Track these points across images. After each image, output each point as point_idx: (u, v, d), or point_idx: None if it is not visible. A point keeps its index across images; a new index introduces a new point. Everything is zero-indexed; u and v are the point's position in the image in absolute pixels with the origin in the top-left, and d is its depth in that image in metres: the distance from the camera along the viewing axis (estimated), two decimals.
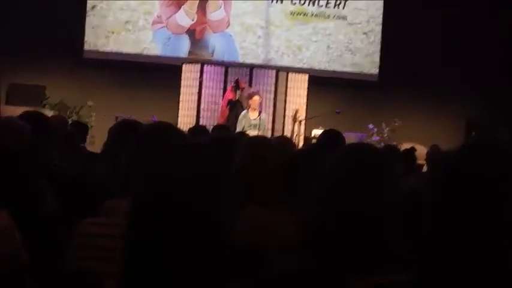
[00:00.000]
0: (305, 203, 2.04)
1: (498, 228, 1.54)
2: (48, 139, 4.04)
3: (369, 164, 2.00)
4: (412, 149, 7.86)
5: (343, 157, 2.05)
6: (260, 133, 10.59)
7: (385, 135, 13.89)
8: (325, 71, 14.93)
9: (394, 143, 11.76)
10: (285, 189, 2.96)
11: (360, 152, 2.07)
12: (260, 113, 11.06)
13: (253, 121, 10.91)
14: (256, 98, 11.12)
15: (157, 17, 14.84)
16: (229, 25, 14.98)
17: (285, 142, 4.18)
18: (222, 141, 3.85)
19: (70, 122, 8.01)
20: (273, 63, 14.67)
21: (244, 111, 11.13)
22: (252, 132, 10.48)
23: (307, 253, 1.95)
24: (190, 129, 6.51)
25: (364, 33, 15.21)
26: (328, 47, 15.15)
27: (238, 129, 10.80)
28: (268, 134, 11.27)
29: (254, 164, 2.99)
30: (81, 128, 7.35)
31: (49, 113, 9.84)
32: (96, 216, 2.48)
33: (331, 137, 4.83)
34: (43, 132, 4.00)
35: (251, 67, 13.13)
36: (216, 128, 7.55)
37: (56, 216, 3.04)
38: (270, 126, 12.03)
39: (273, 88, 12.74)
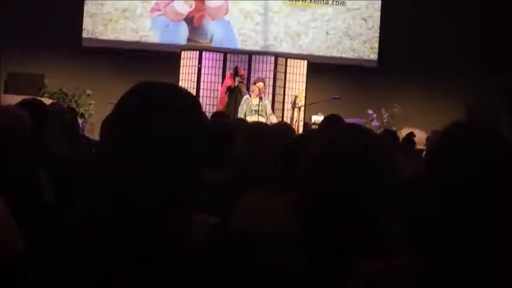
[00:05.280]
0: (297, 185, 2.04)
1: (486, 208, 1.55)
2: (46, 126, 4.04)
3: (361, 145, 2.00)
4: (411, 134, 7.84)
5: (333, 139, 2.04)
6: (262, 119, 10.60)
7: (385, 120, 13.89)
8: (324, 57, 14.91)
9: (394, 128, 11.76)
10: (284, 173, 2.96)
11: (351, 135, 2.06)
12: (261, 99, 11.06)
13: (255, 106, 10.92)
14: (259, 84, 11.14)
15: (155, 4, 14.80)
16: (227, 12, 14.94)
17: (285, 128, 4.18)
18: (220, 128, 3.84)
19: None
20: (271, 49, 14.64)
21: (246, 96, 11.15)
22: (253, 118, 10.50)
23: (303, 237, 1.95)
24: None
25: (363, 18, 15.17)
26: (327, 33, 15.11)
27: (240, 114, 10.83)
28: (271, 119, 11.27)
29: (253, 150, 2.99)
30: (72, 114, 7.27)
31: (48, 101, 9.84)
32: None
33: (332, 122, 4.82)
34: (42, 119, 4.00)
35: (250, 54, 13.10)
36: (215, 114, 7.55)
37: (53, 204, 3.04)
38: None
39: (271, 74, 12.72)
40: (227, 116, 7.56)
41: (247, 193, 2.78)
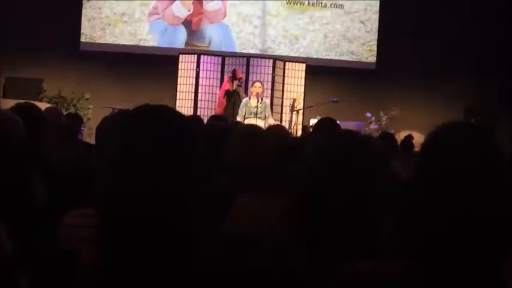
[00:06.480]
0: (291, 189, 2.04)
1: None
2: (41, 131, 4.03)
3: (355, 147, 2.00)
4: (409, 137, 7.84)
5: (323, 144, 2.05)
6: (260, 121, 10.56)
7: (383, 123, 13.88)
8: (323, 59, 14.92)
9: (392, 131, 11.76)
10: (278, 176, 2.96)
11: (340, 139, 2.07)
12: (262, 99, 11.04)
13: (253, 109, 10.91)
14: (257, 84, 11.13)
15: (154, 8, 14.81)
16: (225, 15, 14.95)
17: (279, 131, 4.17)
18: (216, 131, 3.84)
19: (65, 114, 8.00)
20: (270, 52, 14.66)
21: (246, 99, 11.13)
22: (252, 120, 10.49)
23: (294, 240, 1.95)
24: None
25: (361, 21, 15.18)
26: (325, 35, 15.12)
27: (239, 116, 10.82)
28: (270, 122, 11.25)
29: (245, 152, 2.99)
30: (76, 120, 7.34)
31: (46, 106, 9.84)
32: (88, 208, 2.46)
33: (326, 124, 4.81)
34: (36, 124, 3.99)
35: (248, 57, 13.10)
36: (212, 118, 7.55)
37: (46, 208, 3.03)
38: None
39: (270, 78, 12.72)
40: (224, 119, 7.55)
41: (239, 195, 2.78)
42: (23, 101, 5.30)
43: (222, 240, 1.87)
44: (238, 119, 10.65)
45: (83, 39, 14.77)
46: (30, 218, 2.81)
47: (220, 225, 2.62)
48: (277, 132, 3.91)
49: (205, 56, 13.11)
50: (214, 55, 13.30)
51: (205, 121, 7.44)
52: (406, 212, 2.07)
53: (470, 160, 1.60)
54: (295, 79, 13.09)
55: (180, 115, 1.79)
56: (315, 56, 14.90)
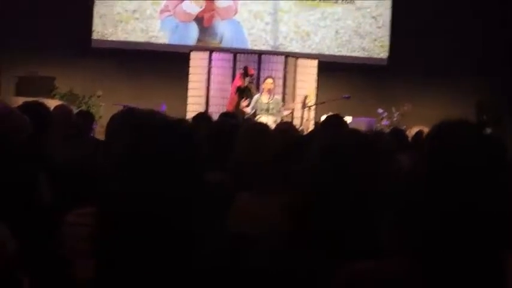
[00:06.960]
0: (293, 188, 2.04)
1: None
2: (48, 129, 4.04)
3: (358, 146, 2.00)
4: (420, 132, 7.80)
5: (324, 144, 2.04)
6: (272, 117, 10.57)
7: (395, 119, 13.84)
8: (334, 56, 14.88)
9: (404, 127, 11.73)
10: (282, 174, 2.95)
11: (343, 139, 2.06)
12: (273, 95, 11.05)
13: (264, 105, 10.91)
14: (268, 80, 11.14)
15: (165, 6, 14.81)
16: (237, 12, 14.93)
17: (286, 128, 4.17)
18: (222, 128, 3.84)
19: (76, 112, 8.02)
20: (281, 49, 14.63)
21: (257, 95, 11.13)
22: (263, 117, 10.50)
23: (292, 239, 1.95)
24: (194, 117, 6.52)
25: (373, 17, 15.13)
26: (337, 32, 15.08)
27: (251, 112, 10.85)
28: (284, 114, 11.25)
29: (250, 152, 2.98)
30: (87, 117, 7.35)
31: (58, 103, 9.86)
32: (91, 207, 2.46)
33: (333, 121, 4.81)
34: (43, 122, 4.00)
35: (260, 53, 13.10)
36: (222, 115, 7.55)
37: (51, 207, 3.04)
38: None
39: (282, 74, 12.71)
40: (234, 116, 7.54)
41: (240, 194, 2.78)
42: (35, 98, 5.32)
43: (222, 239, 1.87)
44: (249, 115, 10.67)
45: (94, 36, 14.78)
46: (34, 217, 2.82)
47: (223, 223, 2.62)
48: (285, 129, 3.91)
49: (217, 53, 13.13)
50: (226, 52, 13.31)
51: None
52: (407, 210, 2.06)
53: (472, 158, 1.60)
54: (307, 75, 13.07)
55: (184, 121, 1.81)
56: (326, 53, 14.87)
